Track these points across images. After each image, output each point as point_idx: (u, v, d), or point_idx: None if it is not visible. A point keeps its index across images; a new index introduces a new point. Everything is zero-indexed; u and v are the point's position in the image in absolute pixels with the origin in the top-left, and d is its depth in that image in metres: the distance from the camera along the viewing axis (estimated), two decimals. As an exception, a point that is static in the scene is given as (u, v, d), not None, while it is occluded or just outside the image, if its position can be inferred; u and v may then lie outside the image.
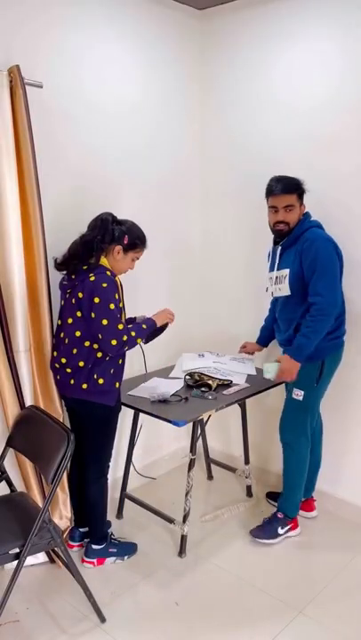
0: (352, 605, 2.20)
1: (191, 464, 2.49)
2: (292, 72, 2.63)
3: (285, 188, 2.32)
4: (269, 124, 2.77)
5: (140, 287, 2.80)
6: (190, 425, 2.43)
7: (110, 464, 2.43)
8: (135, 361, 2.86)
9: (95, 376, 2.20)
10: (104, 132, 2.60)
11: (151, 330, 2.31)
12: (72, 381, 2.22)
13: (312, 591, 2.27)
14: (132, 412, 2.74)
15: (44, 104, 2.29)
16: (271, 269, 2.49)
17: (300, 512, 2.69)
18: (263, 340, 2.83)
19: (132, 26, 2.64)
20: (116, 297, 2.14)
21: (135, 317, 2.51)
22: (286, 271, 2.38)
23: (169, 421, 2.32)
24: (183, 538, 2.51)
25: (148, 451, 3.16)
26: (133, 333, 2.18)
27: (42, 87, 2.20)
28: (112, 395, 2.27)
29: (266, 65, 2.73)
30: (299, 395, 2.46)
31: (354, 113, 2.46)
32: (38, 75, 2.22)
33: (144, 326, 2.26)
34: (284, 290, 2.41)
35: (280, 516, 2.58)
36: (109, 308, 2.10)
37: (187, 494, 2.49)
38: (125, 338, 2.13)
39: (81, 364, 2.19)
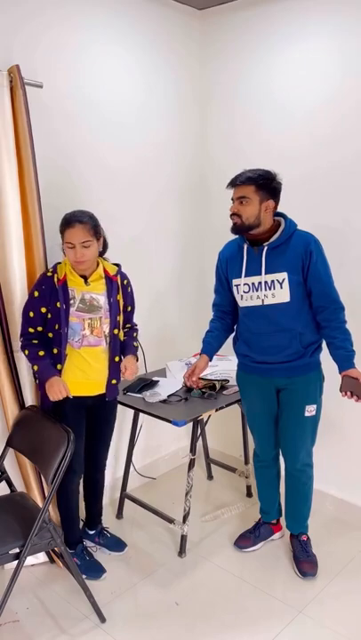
0: (352, 605, 2.20)
1: (191, 464, 2.49)
2: (292, 71, 2.63)
3: (239, 178, 2.10)
4: (269, 123, 2.76)
5: (142, 287, 2.80)
6: (190, 425, 2.43)
7: (75, 475, 2.29)
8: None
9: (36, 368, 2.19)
10: (103, 132, 2.60)
11: (39, 377, 2.18)
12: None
13: (312, 591, 2.27)
14: (132, 411, 2.74)
15: (43, 104, 2.29)
16: (254, 273, 2.17)
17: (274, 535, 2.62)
18: (213, 352, 2.44)
19: (132, 25, 2.64)
20: (36, 294, 2.13)
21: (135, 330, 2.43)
22: (283, 274, 2.12)
23: (169, 421, 2.32)
24: (183, 538, 2.51)
25: (148, 451, 3.16)
26: (27, 352, 2.15)
27: (42, 87, 2.20)
28: (46, 398, 2.15)
29: (266, 64, 2.73)
30: (312, 410, 2.28)
31: (354, 113, 2.45)
32: (38, 75, 2.22)
33: (35, 367, 2.14)
34: (282, 296, 2.14)
35: (305, 538, 2.46)
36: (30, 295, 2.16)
37: (187, 494, 2.49)
38: (22, 340, 2.17)
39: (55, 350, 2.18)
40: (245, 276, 2.20)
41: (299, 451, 2.34)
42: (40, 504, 2.25)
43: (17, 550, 1.90)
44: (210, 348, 2.42)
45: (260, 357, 2.28)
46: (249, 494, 3.01)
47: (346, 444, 2.75)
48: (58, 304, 2.11)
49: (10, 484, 2.28)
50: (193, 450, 2.49)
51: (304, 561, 2.39)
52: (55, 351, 2.14)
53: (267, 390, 2.33)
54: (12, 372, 2.25)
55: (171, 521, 2.57)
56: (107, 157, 2.63)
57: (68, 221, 2.08)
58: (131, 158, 2.76)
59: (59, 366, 2.14)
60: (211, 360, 2.43)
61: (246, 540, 2.56)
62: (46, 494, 2.35)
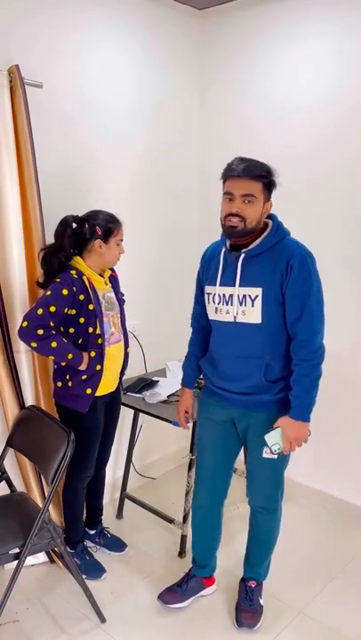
0: (352, 605, 2.20)
1: (191, 464, 2.48)
2: (292, 71, 2.63)
3: (248, 171, 1.70)
4: (269, 123, 2.77)
5: (142, 287, 2.80)
6: (190, 425, 2.42)
7: (87, 475, 2.31)
8: (135, 361, 2.87)
9: (67, 376, 2.15)
10: (103, 132, 2.60)
11: (73, 364, 2.09)
12: (54, 382, 2.22)
13: (312, 591, 2.27)
14: (132, 411, 2.74)
15: (43, 104, 2.29)
16: (228, 283, 1.83)
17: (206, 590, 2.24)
18: (195, 382, 2.17)
19: (132, 25, 2.64)
20: (65, 292, 2.00)
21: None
22: (257, 290, 1.75)
23: (169, 421, 2.32)
24: (183, 538, 2.51)
25: (148, 451, 3.16)
26: (55, 344, 1.99)
27: (41, 87, 2.20)
28: (84, 400, 2.14)
29: (266, 64, 2.73)
30: (270, 453, 1.89)
31: (354, 112, 2.46)
32: (38, 74, 2.22)
33: (70, 356, 2.05)
34: (252, 316, 1.77)
35: (253, 585, 2.13)
36: (46, 293, 2.02)
37: (187, 494, 2.49)
38: (41, 332, 1.96)
39: (63, 362, 2.14)
40: (220, 284, 1.86)
41: (257, 491, 2.07)
42: (40, 504, 2.25)
43: (17, 550, 1.90)
44: (191, 379, 2.16)
45: (219, 382, 1.95)
46: (249, 494, 3.01)
47: (346, 445, 2.75)
48: (91, 306, 2.09)
49: (10, 484, 2.28)
50: (193, 450, 2.49)
51: (244, 609, 2.08)
52: (93, 354, 2.12)
53: (222, 420, 1.99)
54: (12, 372, 2.25)
55: (171, 521, 2.57)
56: (106, 157, 2.63)
57: (117, 220, 2.18)
58: (130, 158, 2.76)
59: (98, 367, 2.14)
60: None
61: (174, 594, 2.17)
62: (46, 494, 2.35)
